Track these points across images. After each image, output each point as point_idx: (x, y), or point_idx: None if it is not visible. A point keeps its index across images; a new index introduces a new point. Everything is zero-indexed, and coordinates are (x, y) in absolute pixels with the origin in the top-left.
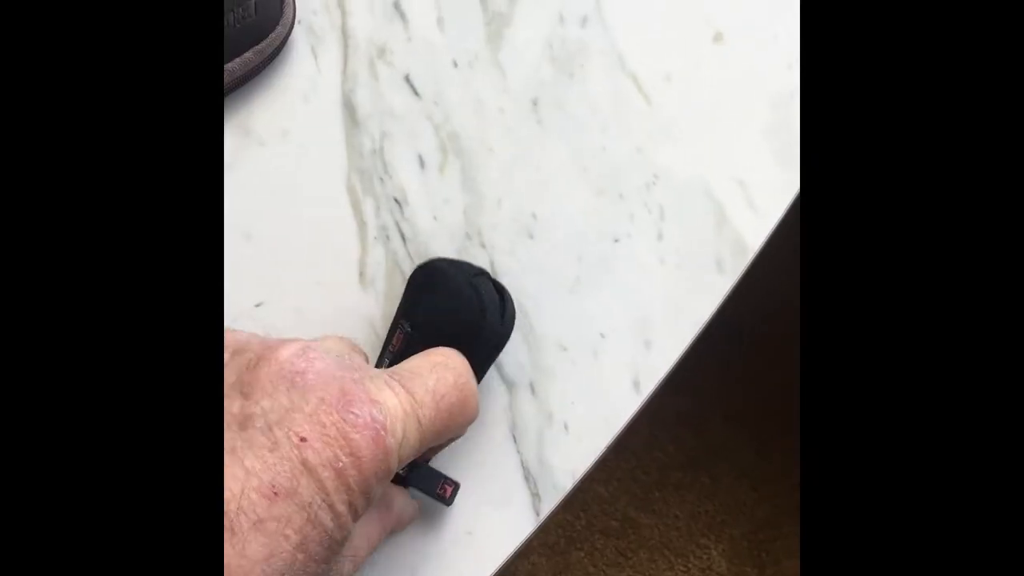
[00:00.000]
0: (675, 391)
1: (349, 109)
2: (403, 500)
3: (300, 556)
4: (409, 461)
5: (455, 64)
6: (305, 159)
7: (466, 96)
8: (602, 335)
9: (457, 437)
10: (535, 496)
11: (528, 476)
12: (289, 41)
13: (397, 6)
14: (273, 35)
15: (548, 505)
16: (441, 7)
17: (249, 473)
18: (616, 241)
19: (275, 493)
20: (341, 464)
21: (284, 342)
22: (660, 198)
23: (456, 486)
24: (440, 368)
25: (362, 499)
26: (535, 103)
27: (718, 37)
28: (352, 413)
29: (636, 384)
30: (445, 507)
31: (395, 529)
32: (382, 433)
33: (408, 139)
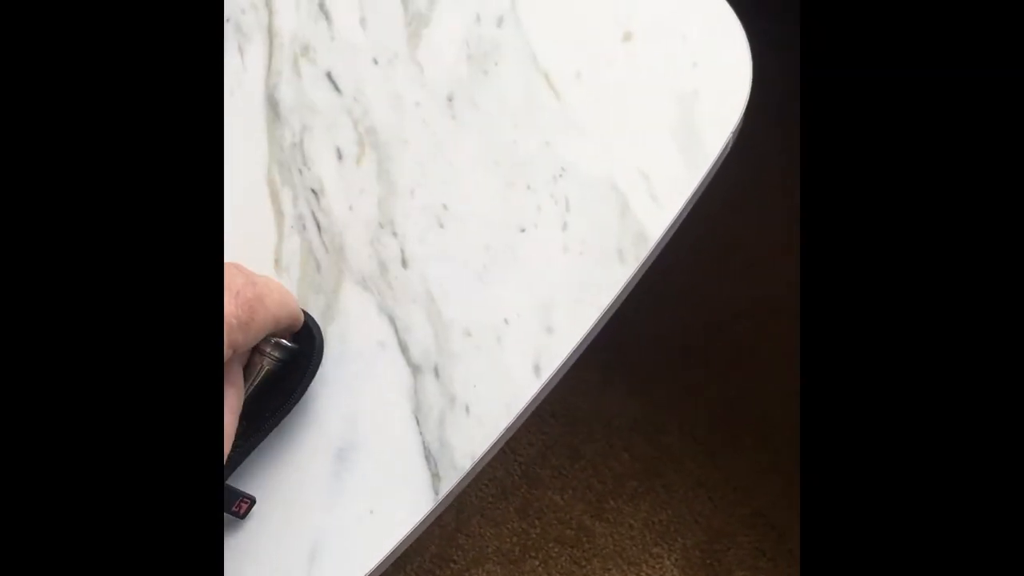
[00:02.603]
0: (631, 400)
1: (272, 104)
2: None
3: None
4: (231, 352)
5: (375, 62)
6: (227, 151)
7: (385, 92)
8: (506, 321)
9: (291, 329)
10: (435, 476)
11: (429, 456)
12: None
13: (322, 6)
14: None
15: (447, 485)
16: (364, 7)
17: None
18: (523, 231)
19: None
20: None
21: None
22: (566, 190)
23: (252, 502)
24: (226, 274)
25: None
26: (450, 99)
27: (627, 36)
28: None
29: (537, 368)
30: (348, 484)
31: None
32: None
33: (328, 133)
